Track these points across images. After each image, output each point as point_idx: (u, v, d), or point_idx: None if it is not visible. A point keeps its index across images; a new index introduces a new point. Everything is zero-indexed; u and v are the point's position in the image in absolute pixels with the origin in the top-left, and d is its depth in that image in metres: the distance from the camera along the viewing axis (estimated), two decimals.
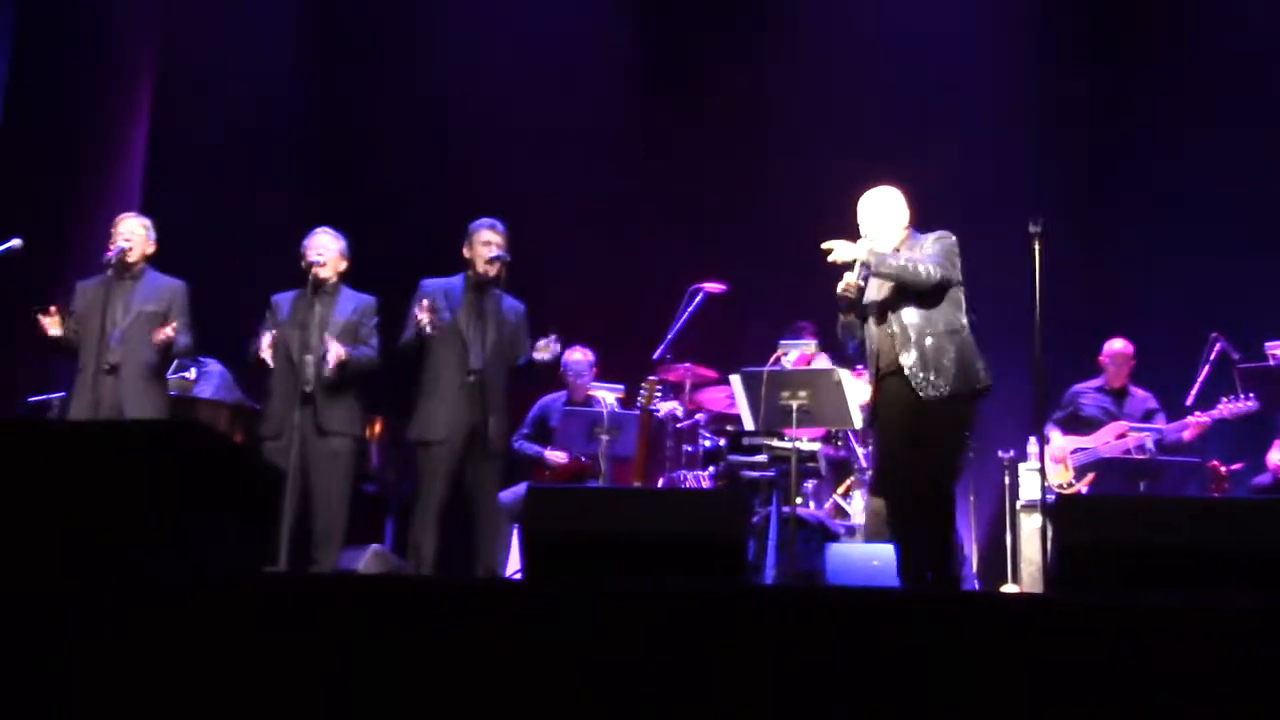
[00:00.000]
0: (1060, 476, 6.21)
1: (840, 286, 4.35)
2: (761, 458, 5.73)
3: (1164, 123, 7.29)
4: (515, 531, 5.61)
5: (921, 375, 4.21)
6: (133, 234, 5.33)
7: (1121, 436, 6.16)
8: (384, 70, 7.95)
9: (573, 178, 7.72)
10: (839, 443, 6.11)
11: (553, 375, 6.26)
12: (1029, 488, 6.21)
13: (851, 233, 4.45)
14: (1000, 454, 6.35)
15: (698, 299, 5.98)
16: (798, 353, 5.85)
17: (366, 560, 5.85)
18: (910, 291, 4.28)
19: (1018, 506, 6.25)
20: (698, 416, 6.35)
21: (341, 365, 5.12)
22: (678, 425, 6.32)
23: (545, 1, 8.21)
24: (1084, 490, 6.12)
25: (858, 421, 5.13)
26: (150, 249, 5.41)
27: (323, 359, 5.09)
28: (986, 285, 4.78)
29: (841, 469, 6.29)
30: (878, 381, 4.39)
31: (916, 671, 2.54)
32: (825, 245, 4.34)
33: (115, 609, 2.65)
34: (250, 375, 5.73)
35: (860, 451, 6.14)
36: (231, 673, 2.63)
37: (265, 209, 7.14)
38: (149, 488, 2.76)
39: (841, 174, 4.93)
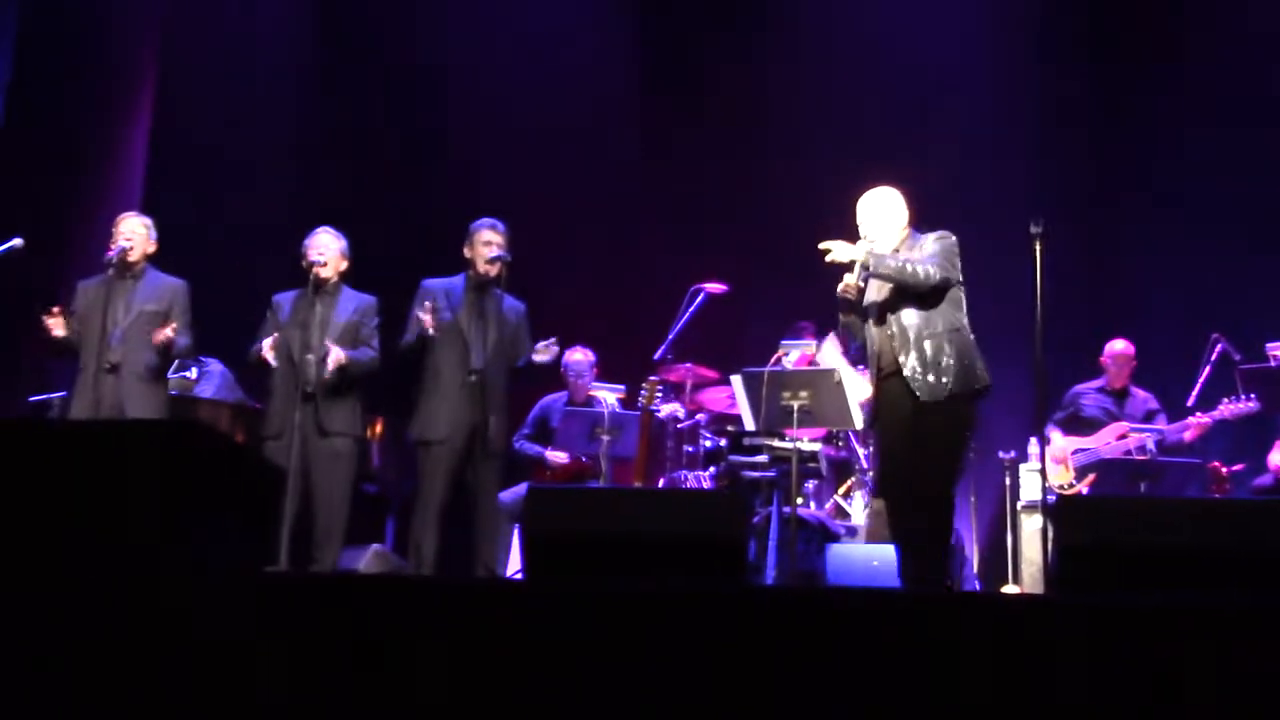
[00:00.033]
0: (1061, 477, 6.21)
1: (840, 287, 4.35)
2: (762, 458, 5.73)
3: (1164, 123, 7.29)
4: (516, 531, 5.61)
5: (920, 377, 4.21)
6: (134, 233, 5.33)
7: (1122, 437, 6.16)
8: (385, 70, 7.95)
9: (573, 178, 7.72)
10: (840, 443, 6.11)
11: (554, 375, 6.26)
12: (1030, 488, 6.21)
13: (852, 233, 4.45)
14: (1001, 454, 6.35)
15: (698, 299, 5.98)
16: (799, 353, 5.85)
17: (367, 560, 5.86)
18: (910, 292, 4.27)
19: (1018, 507, 6.24)
20: (698, 417, 6.35)
21: (342, 368, 5.12)
22: (679, 426, 6.32)
23: (545, 1, 8.21)
24: (1085, 491, 6.12)
25: (858, 422, 5.13)
26: (151, 248, 5.41)
27: (323, 360, 5.09)
28: (987, 286, 4.78)
29: (842, 469, 6.29)
30: (878, 383, 4.39)
31: (917, 672, 2.54)
32: (823, 245, 4.34)
33: (115, 609, 2.65)
34: (251, 375, 5.73)
35: (861, 452, 6.14)
36: (232, 672, 2.63)
37: (265, 209, 7.14)
38: (150, 487, 2.76)
39: (842, 174, 4.93)
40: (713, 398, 6.29)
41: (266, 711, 2.61)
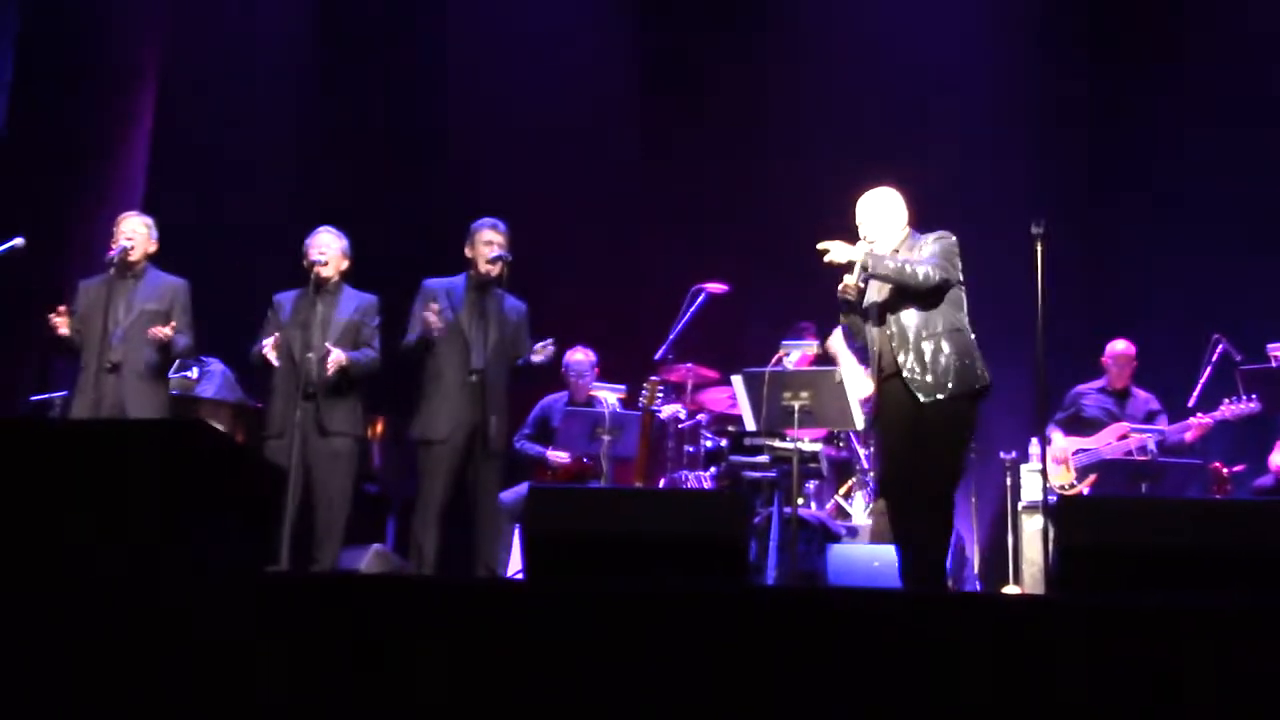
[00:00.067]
0: (1062, 478, 6.21)
1: (840, 288, 4.35)
2: (763, 458, 5.73)
3: (1165, 123, 7.29)
4: (517, 531, 5.61)
5: (920, 377, 4.20)
6: (134, 233, 5.34)
7: (1123, 438, 6.16)
8: (385, 70, 7.95)
9: (574, 178, 7.73)
10: (840, 443, 6.11)
11: (554, 375, 6.27)
12: (1031, 489, 6.20)
13: (852, 233, 4.45)
14: (1002, 455, 6.35)
15: (699, 299, 5.98)
16: (799, 353, 5.85)
17: (368, 560, 5.86)
18: (909, 293, 4.27)
19: (1019, 507, 6.24)
20: (699, 417, 6.35)
21: (343, 368, 5.12)
22: (679, 426, 6.32)
23: (545, 1, 8.21)
24: (1086, 491, 6.12)
25: (859, 422, 5.12)
26: (152, 248, 5.41)
27: (323, 360, 5.09)
28: (988, 286, 4.78)
29: (843, 470, 6.29)
30: (879, 383, 4.39)
31: (918, 673, 2.54)
32: (821, 246, 4.33)
33: (116, 608, 2.65)
34: (252, 374, 5.74)
35: (862, 452, 6.14)
36: (232, 672, 2.63)
37: (266, 209, 7.14)
38: (150, 487, 2.76)
39: (842, 174, 4.93)
40: (713, 398, 6.29)
41: (266, 711, 2.61)
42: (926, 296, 4.26)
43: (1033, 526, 6.05)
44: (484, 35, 7.97)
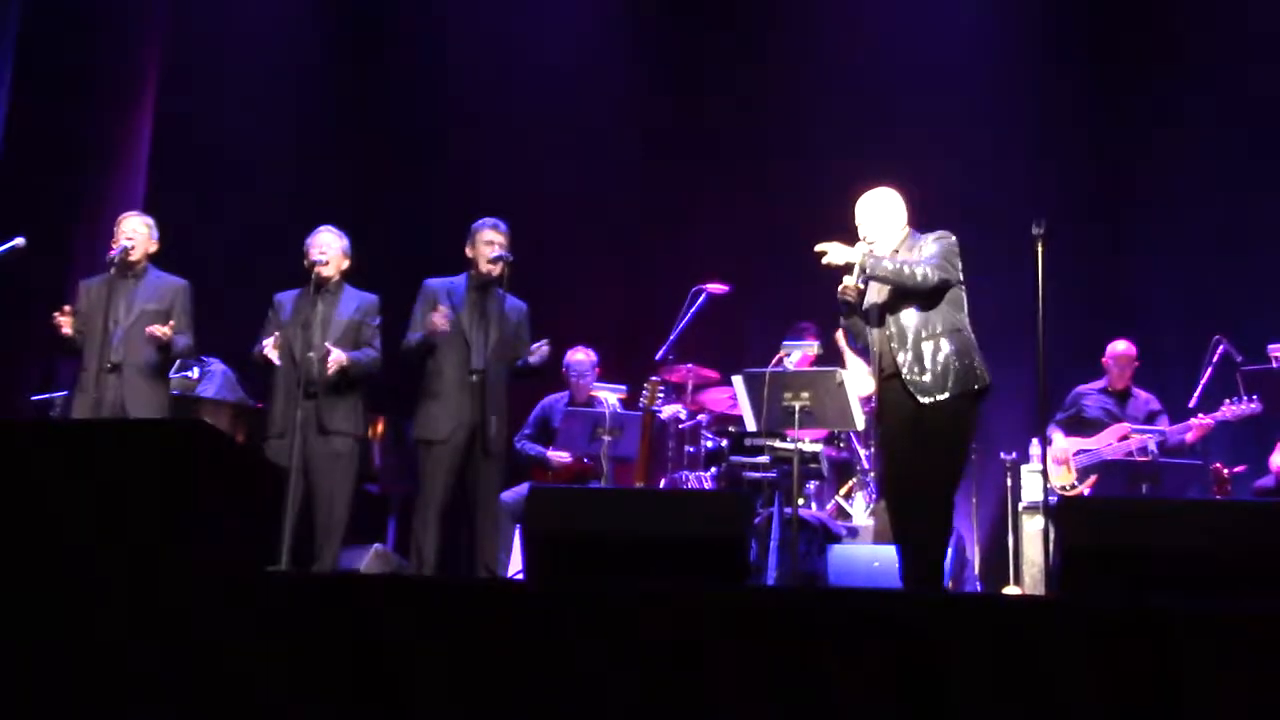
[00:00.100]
0: (1063, 478, 6.20)
1: (840, 289, 4.35)
2: (763, 459, 5.73)
3: (1165, 123, 7.28)
4: (517, 532, 5.61)
5: (918, 378, 4.20)
6: (135, 233, 5.34)
7: (1124, 438, 6.15)
8: (386, 70, 7.96)
9: (575, 178, 7.72)
10: (841, 444, 6.11)
11: (555, 376, 6.27)
12: (1031, 489, 6.20)
13: (852, 233, 4.45)
14: (1003, 455, 6.34)
15: (700, 300, 5.98)
16: (800, 354, 5.85)
17: (368, 560, 5.86)
18: (909, 293, 4.27)
19: (1020, 508, 6.24)
20: (700, 417, 6.34)
21: (344, 368, 5.12)
22: (680, 426, 6.31)
23: (546, 2, 8.21)
24: (1087, 492, 6.11)
25: (860, 423, 5.12)
26: (153, 248, 5.41)
27: (324, 360, 5.09)
28: (989, 287, 4.78)
29: (844, 470, 6.28)
30: (880, 384, 4.39)
31: (919, 674, 2.54)
32: (819, 248, 4.33)
33: (115, 609, 2.64)
34: (253, 374, 5.74)
35: (862, 453, 6.13)
36: (232, 672, 2.63)
37: (266, 208, 7.14)
38: (151, 487, 2.76)
39: (842, 174, 4.93)
40: (714, 398, 6.29)
41: (266, 711, 2.61)
42: (926, 297, 4.26)
43: (1033, 527, 6.04)
44: (484, 35, 7.97)
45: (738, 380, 5.26)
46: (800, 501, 5.61)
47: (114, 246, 5.28)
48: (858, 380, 5.15)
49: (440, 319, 5.06)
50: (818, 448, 5.80)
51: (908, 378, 4.21)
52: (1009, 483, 6.32)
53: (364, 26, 8.02)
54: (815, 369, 5.57)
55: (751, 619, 2.67)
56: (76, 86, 6.92)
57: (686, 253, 7.27)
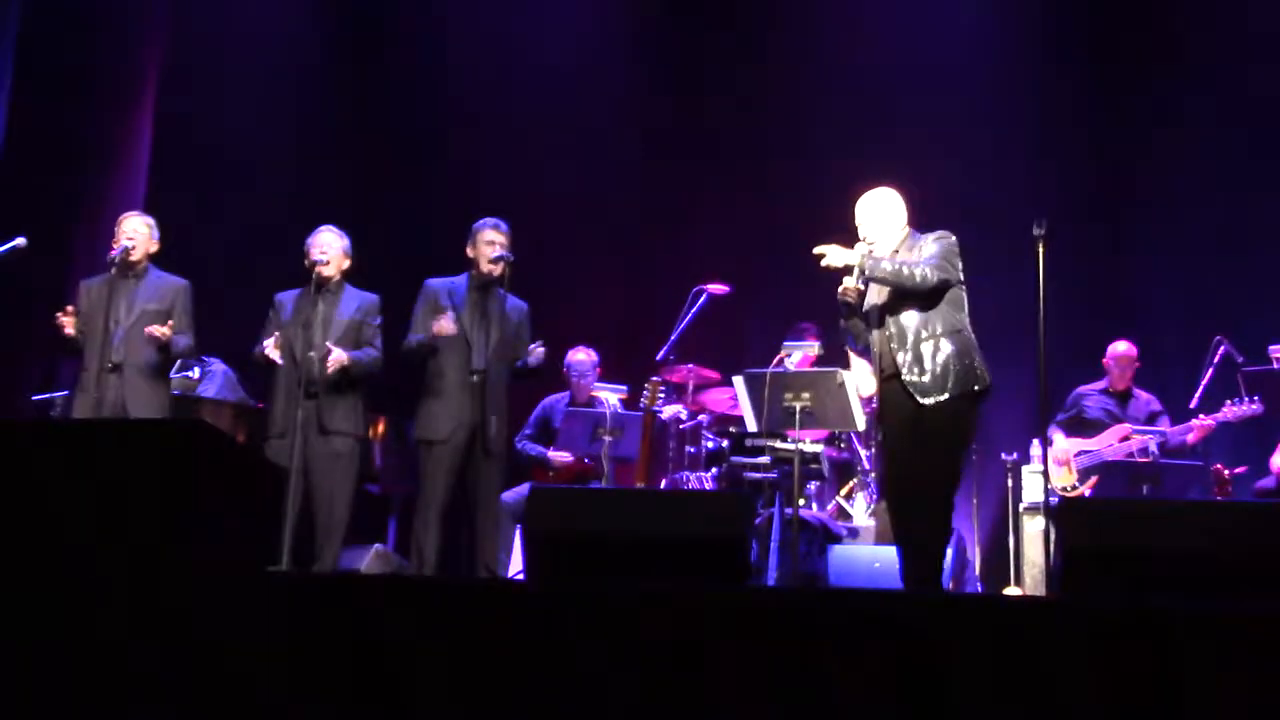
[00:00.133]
0: (1064, 479, 6.20)
1: (840, 291, 4.34)
2: (764, 459, 5.73)
3: (1166, 123, 7.28)
4: (518, 532, 5.61)
5: (918, 379, 4.19)
6: (136, 233, 5.34)
7: (1125, 439, 6.15)
8: (386, 70, 7.96)
9: (575, 178, 7.72)
10: (842, 444, 6.11)
11: (556, 376, 6.27)
12: (1032, 490, 6.20)
13: (853, 233, 4.44)
14: (1003, 456, 6.34)
15: (701, 300, 5.98)
16: (801, 354, 5.85)
17: (369, 560, 5.86)
18: (909, 294, 4.26)
19: (1021, 509, 6.23)
20: (701, 418, 6.34)
21: (344, 368, 5.12)
22: (681, 426, 6.31)
23: (547, 3, 8.21)
24: (1087, 493, 6.11)
25: (861, 423, 5.12)
26: (153, 248, 5.41)
27: (324, 359, 5.09)
28: (989, 287, 4.78)
29: (844, 471, 6.28)
30: (880, 384, 4.39)
31: (919, 674, 2.54)
32: (818, 251, 4.32)
33: (115, 609, 2.64)
34: (253, 374, 5.74)
35: (863, 453, 6.13)
36: (232, 672, 2.63)
37: (266, 208, 7.15)
38: (151, 486, 2.75)
39: (843, 174, 4.92)
40: (715, 399, 6.28)
41: (266, 711, 2.60)
42: (926, 297, 4.25)
43: (1034, 528, 6.04)
44: (484, 35, 7.97)
45: (738, 381, 5.26)
46: (801, 502, 5.61)
47: (115, 246, 5.28)
48: (861, 381, 5.14)
49: (449, 323, 5.06)
50: (818, 448, 5.80)
51: (907, 378, 4.21)
52: (1010, 483, 6.32)
53: (364, 26, 8.02)
54: (816, 369, 5.57)
55: (752, 619, 2.67)
56: (77, 86, 6.93)
57: (686, 253, 7.27)
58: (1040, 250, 4.41)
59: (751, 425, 5.19)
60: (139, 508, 2.72)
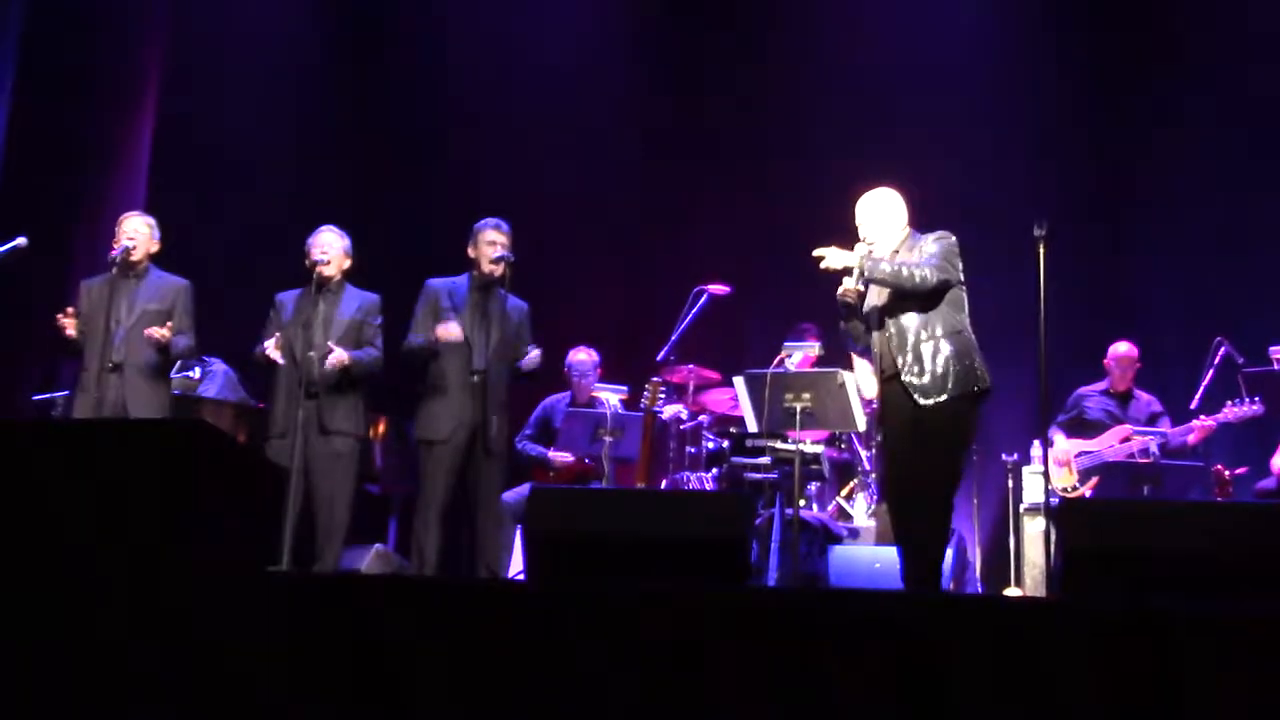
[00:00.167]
0: (1064, 480, 6.20)
1: (840, 291, 4.34)
2: (765, 460, 5.73)
3: (1167, 123, 7.28)
4: (518, 532, 5.61)
5: (917, 380, 4.19)
6: (136, 233, 5.34)
7: (1126, 440, 6.15)
8: (386, 70, 7.96)
9: (575, 178, 7.72)
10: (842, 445, 6.11)
11: (556, 376, 6.27)
12: (1033, 491, 6.20)
13: (854, 233, 4.44)
14: (1004, 457, 6.34)
15: (701, 301, 5.98)
16: (801, 354, 5.85)
17: (369, 560, 5.86)
18: (908, 295, 4.26)
19: (1021, 510, 6.23)
20: (701, 418, 6.34)
21: (345, 367, 5.12)
22: (681, 427, 6.31)
23: (547, 3, 8.21)
24: (1088, 494, 6.11)
25: (861, 424, 5.12)
26: (154, 248, 5.41)
27: (324, 358, 5.09)
28: (990, 288, 4.77)
29: (845, 471, 6.28)
30: (881, 385, 4.39)
31: (919, 674, 2.53)
32: (817, 253, 4.32)
33: (115, 609, 2.64)
34: (254, 374, 5.74)
35: (863, 454, 6.13)
36: (232, 672, 2.62)
37: (267, 208, 7.15)
38: (152, 486, 2.75)
39: (843, 174, 4.92)
40: (715, 399, 6.28)
41: (266, 711, 2.60)
42: (926, 298, 4.25)
43: (1035, 529, 6.03)
44: (484, 35, 7.97)
45: (739, 381, 5.26)
46: (801, 503, 5.61)
47: (115, 246, 5.29)
48: (864, 382, 5.14)
49: (454, 329, 5.06)
50: (819, 449, 5.80)
51: (907, 380, 4.21)
52: (1010, 484, 6.31)
53: (364, 26, 8.02)
54: (816, 370, 5.57)
55: (752, 619, 2.67)
56: (78, 87, 6.93)
57: (686, 253, 7.27)
58: (1041, 251, 4.41)
59: (752, 426, 5.19)
60: (139, 508, 2.72)
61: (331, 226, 5.38)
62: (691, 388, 6.23)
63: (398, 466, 6.33)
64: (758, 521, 5.45)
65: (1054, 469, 6.10)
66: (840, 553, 5.58)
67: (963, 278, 4.35)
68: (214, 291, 5.81)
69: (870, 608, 2.74)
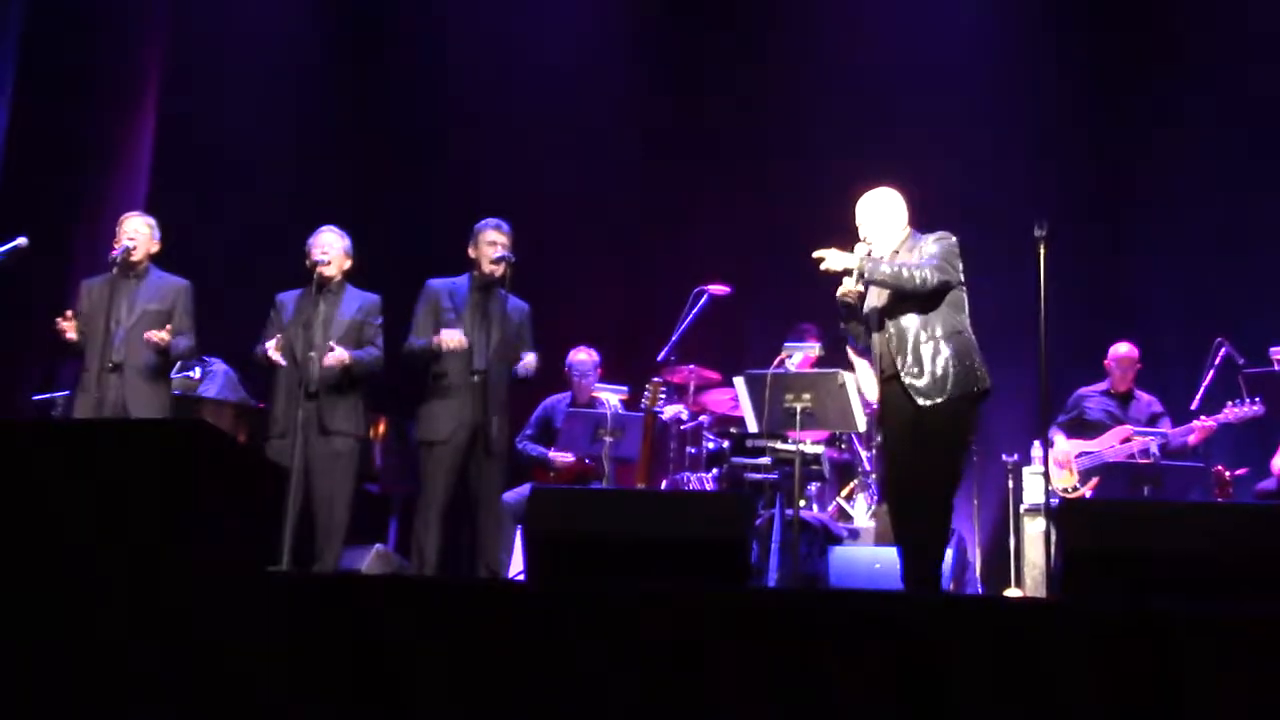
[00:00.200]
0: (1064, 480, 6.19)
1: (840, 292, 4.34)
2: (765, 460, 5.73)
3: (1167, 123, 7.28)
4: (519, 532, 5.61)
5: (916, 381, 4.19)
6: (137, 233, 5.34)
7: (1126, 441, 6.15)
8: (386, 70, 7.96)
9: (575, 178, 7.72)
10: (843, 445, 6.10)
11: (557, 376, 6.27)
12: (1033, 491, 6.19)
13: (854, 233, 4.44)
14: (1004, 457, 6.33)
15: (702, 301, 5.98)
16: (801, 355, 5.84)
17: (369, 560, 5.86)
18: (909, 296, 4.25)
19: (1021, 510, 6.23)
20: (701, 419, 6.34)
21: (346, 367, 5.12)
22: (681, 427, 6.31)
23: (547, 3, 8.21)
24: (1088, 494, 6.11)
25: (861, 424, 5.12)
26: (154, 248, 5.42)
27: (323, 355, 5.09)
28: (991, 288, 4.77)
29: (845, 472, 6.28)
30: (881, 386, 4.39)
31: (919, 675, 2.53)
32: (817, 255, 4.31)
33: (115, 609, 2.64)
34: (254, 374, 5.74)
35: (864, 454, 6.13)
36: (232, 672, 2.62)
37: (267, 208, 7.15)
38: (152, 486, 2.75)
39: (843, 174, 4.92)
40: (716, 399, 6.28)
41: (266, 711, 2.60)
42: (926, 299, 4.25)
43: (1035, 529, 6.03)
44: (484, 35, 7.97)
45: (739, 381, 5.26)
46: (801, 503, 5.61)
47: (116, 246, 5.29)
48: (865, 383, 5.14)
49: (459, 338, 5.06)
50: (819, 449, 5.80)
51: (906, 381, 4.20)
52: (1010, 485, 6.31)
53: (364, 26, 8.02)
54: (817, 370, 5.57)
55: (752, 620, 2.67)
56: (78, 87, 6.93)
57: (686, 253, 7.27)
58: (1042, 252, 4.41)
59: (752, 426, 5.19)
60: (139, 508, 2.72)
61: (332, 227, 5.38)
62: (692, 388, 6.22)
63: (398, 466, 6.33)
64: (758, 522, 5.45)
65: (1054, 469, 6.10)
66: (840, 553, 5.58)
67: (963, 278, 4.34)
68: (214, 291, 5.81)
69: (870, 608, 2.74)
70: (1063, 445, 6.27)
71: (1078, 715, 2.49)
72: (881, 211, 4.45)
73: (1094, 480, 6.17)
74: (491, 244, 5.24)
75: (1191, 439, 6.03)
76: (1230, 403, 5.93)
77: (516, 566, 5.59)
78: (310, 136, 7.65)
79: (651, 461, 5.80)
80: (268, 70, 7.62)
